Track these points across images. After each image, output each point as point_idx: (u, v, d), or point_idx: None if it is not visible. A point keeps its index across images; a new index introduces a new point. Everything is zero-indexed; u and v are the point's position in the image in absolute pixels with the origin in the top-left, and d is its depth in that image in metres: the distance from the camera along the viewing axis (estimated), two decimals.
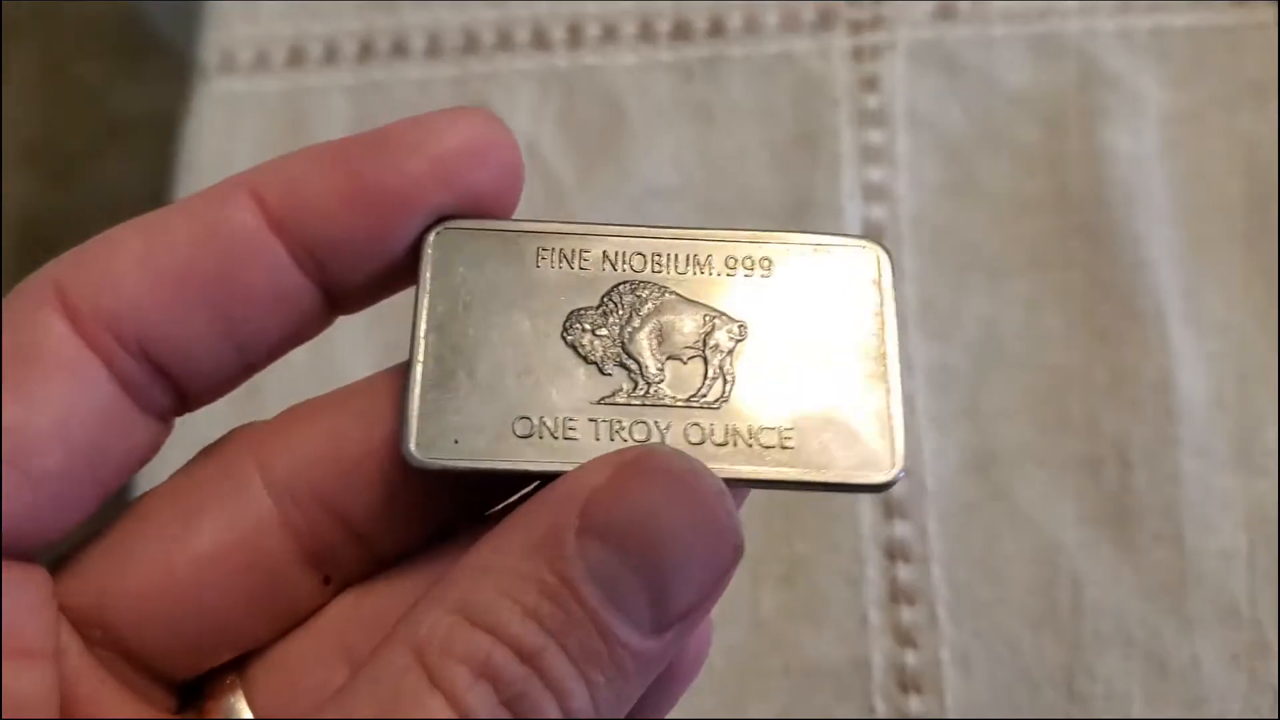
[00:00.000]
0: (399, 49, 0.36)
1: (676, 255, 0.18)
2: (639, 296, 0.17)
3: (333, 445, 0.17)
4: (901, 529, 0.29)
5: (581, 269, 0.17)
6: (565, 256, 0.17)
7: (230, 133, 0.35)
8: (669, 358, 0.17)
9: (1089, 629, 0.28)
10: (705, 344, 0.17)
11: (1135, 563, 0.29)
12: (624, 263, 0.17)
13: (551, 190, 0.33)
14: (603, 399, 0.17)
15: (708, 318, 0.17)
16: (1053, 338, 0.31)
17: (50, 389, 0.16)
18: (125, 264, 0.16)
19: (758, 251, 0.18)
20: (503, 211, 0.17)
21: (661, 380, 0.17)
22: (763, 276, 0.18)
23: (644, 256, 0.17)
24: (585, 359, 0.17)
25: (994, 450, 0.30)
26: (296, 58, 0.36)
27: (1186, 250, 0.31)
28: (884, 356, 0.17)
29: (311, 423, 0.18)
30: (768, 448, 0.16)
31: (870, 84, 0.34)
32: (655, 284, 0.17)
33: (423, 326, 0.17)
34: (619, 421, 0.16)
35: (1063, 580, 0.29)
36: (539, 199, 0.33)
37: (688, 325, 0.17)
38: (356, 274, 0.17)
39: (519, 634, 0.14)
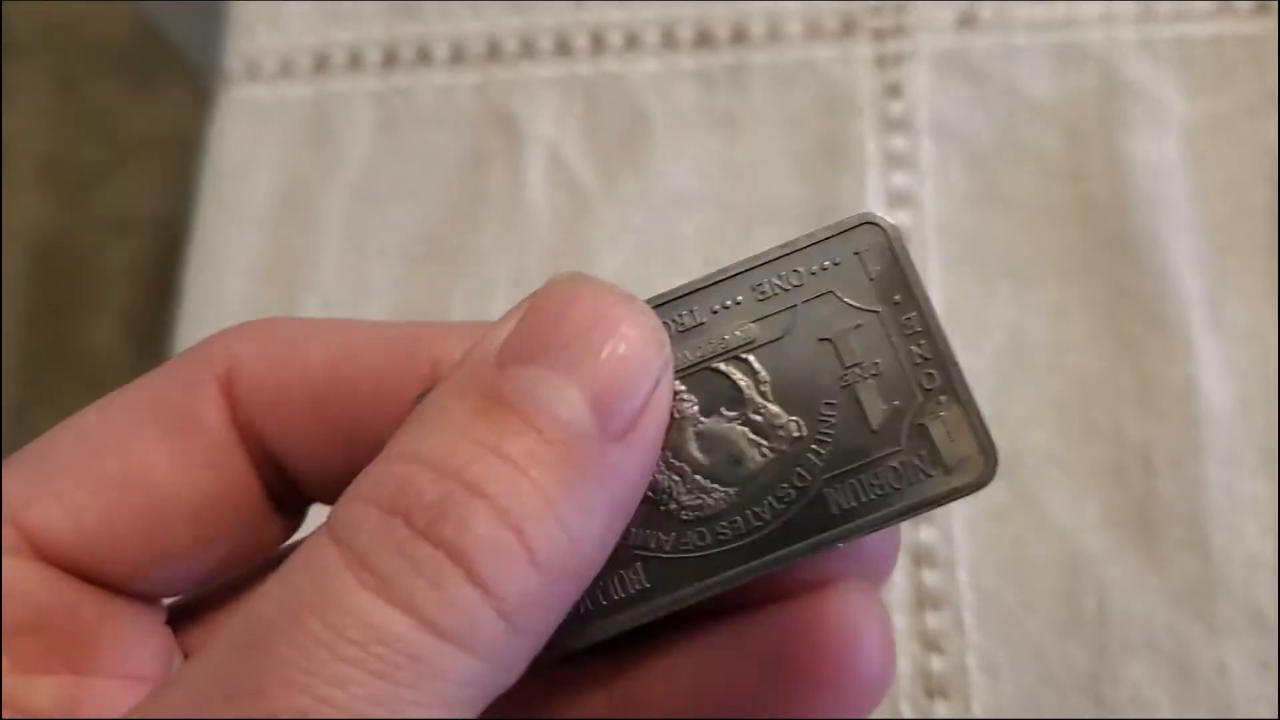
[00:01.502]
0: (423, 56, 0.36)
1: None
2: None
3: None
4: (927, 534, 0.29)
5: None
6: None
7: (255, 138, 0.35)
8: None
9: (1115, 635, 0.28)
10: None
11: (1161, 569, 0.29)
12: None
13: (576, 197, 0.34)
14: None
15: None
16: (1078, 345, 0.31)
17: (201, 468, 0.16)
18: (299, 386, 0.17)
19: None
20: None
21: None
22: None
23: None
24: None
25: (1020, 456, 0.30)
26: (321, 65, 0.36)
27: (1210, 258, 0.31)
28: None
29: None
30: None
31: (894, 91, 0.34)
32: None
33: None
34: None
35: (1088, 586, 0.29)
36: (564, 207, 0.33)
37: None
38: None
39: (444, 453, 0.13)
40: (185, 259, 0.35)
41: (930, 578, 0.29)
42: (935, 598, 0.29)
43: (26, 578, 0.16)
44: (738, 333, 0.16)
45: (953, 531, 0.29)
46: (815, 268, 0.16)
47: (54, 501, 0.16)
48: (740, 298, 0.16)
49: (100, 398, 0.18)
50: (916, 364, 0.16)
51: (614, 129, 0.34)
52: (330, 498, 0.16)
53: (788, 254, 0.16)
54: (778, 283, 0.16)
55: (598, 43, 0.35)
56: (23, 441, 0.17)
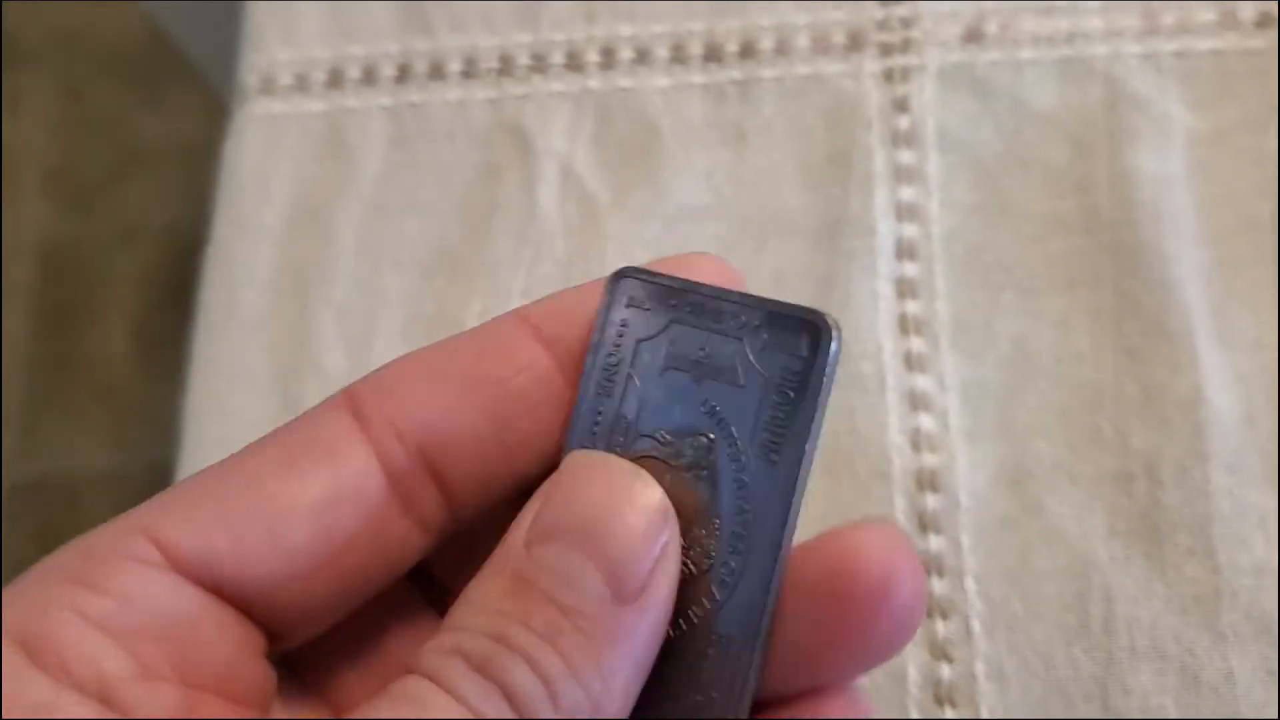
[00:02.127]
0: (436, 71, 0.36)
1: None
2: None
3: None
4: (935, 543, 0.30)
5: None
6: None
7: (270, 152, 0.36)
8: None
9: (1122, 643, 0.29)
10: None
11: (1167, 578, 0.29)
12: None
13: (588, 210, 0.34)
14: None
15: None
16: (1083, 355, 0.31)
17: (316, 469, 0.17)
18: (414, 371, 0.18)
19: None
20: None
21: None
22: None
23: None
24: None
25: (1026, 466, 0.30)
26: (335, 80, 0.37)
27: (1215, 270, 0.32)
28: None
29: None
30: None
31: (901, 105, 0.34)
32: None
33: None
34: None
35: (1095, 595, 0.29)
36: (576, 219, 0.34)
37: None
38: None
39: (485, 625, 0.16)
40: (201, 272, 0.35)
41: (939, 587, 0.29)
42: (944, 606, 0.29)
43: (156, 586, 0.17)
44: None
45: (960, 541, 0.30)
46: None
47: (180, 514, 0.17)
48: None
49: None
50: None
51: (625, 142, 0.35)
52: (473, 481, 0.18)
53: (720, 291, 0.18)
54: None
55: (608, 57, 0.36)
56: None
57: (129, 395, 1.11)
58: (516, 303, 0.33)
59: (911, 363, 0.31)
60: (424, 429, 0.18)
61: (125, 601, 0.16)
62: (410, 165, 0.35)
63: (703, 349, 0.17)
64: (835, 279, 0.32)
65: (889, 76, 0.35)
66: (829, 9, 0.35)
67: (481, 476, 0.18)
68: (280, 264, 0.34)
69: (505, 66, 0.36)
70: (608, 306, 0.18)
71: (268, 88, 0.37)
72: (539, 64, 0.36)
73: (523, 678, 0.15)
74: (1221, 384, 0.31)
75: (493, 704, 0.15)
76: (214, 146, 0.37)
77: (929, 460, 0.30)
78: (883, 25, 0.35)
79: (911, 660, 0.29)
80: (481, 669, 0.15)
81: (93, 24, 1.35)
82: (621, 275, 0.18)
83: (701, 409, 0.17)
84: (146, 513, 0.17)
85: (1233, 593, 0.29)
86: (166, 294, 1.17)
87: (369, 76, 0.36)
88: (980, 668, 0.29)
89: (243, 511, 0.17)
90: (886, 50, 0.35)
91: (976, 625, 0.29)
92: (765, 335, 0.17)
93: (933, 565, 0.29)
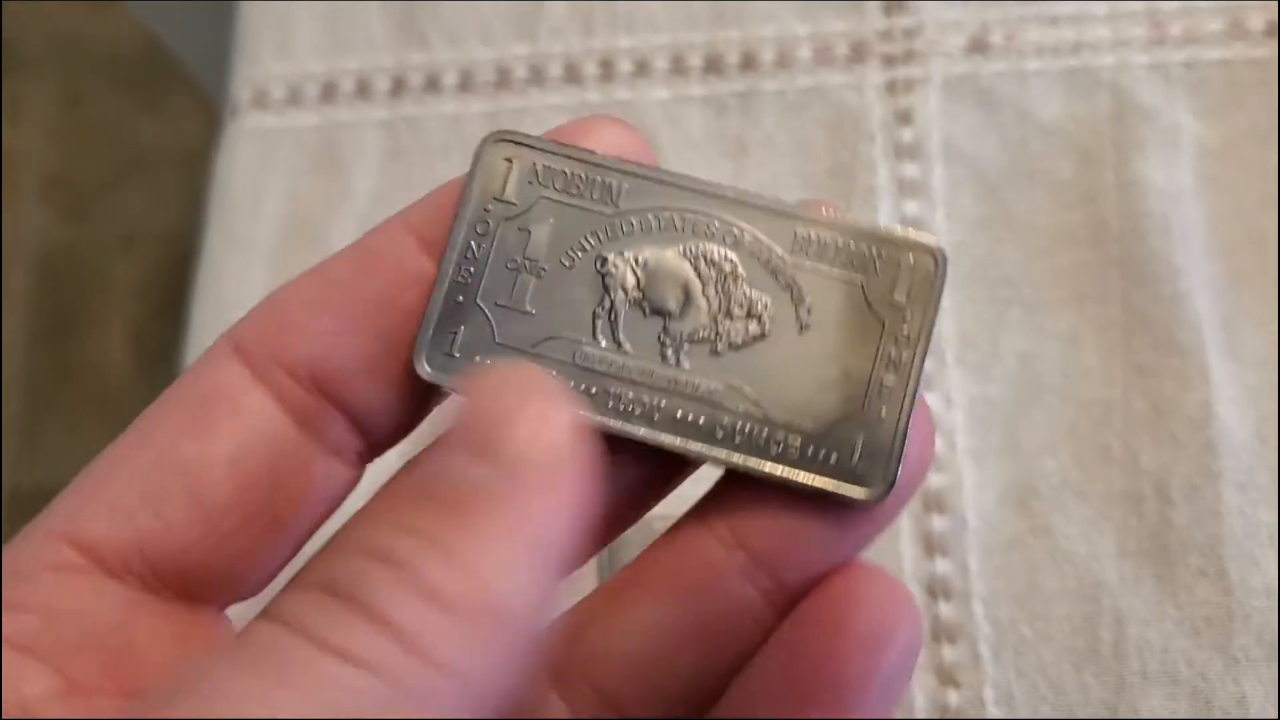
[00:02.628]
0: (432, 84, 0.36)
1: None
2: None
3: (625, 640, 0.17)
4: (942, 566, 0.29)
5: None
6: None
7: (263, 165, 0.35)
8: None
9: (1133, 667, 0.28)
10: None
11: (1178, 599, 0.28)
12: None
13: None
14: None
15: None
16: (1092, 371, 0.31)
17: (221, 424, 0.17)
18: (293, 304, 0.17)
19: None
20: None
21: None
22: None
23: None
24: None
25: (1034, 485, 0.30)
26: (329, 93, 0.36)
27: (1225, 283, 0.31)
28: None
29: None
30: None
31: (905, 117, 0.34)
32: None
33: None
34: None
35: (1105, 617, 0.28)
36: None
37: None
38: None
39: (361, 537, 0.14)
40: (193, 287, 0.35)
41: (946, 610, 0.29)
42: (951, 630, 0.29)
43: (80, 594, 0.16)
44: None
45: (967, 563, 0.29)
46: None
47: (96, 506, 0.16)
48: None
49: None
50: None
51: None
52: (375, 395, 0.17)
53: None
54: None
55: (607, 70, 0.35)
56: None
57: (128, 402, 1.10)
58: None
59: None
60: (315, 363, 0.17)
61: (49, 616, 0.15)
62: (405, 181, 0.35)
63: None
64: None
65: (892, 88, 0.34)
66: (831, 20, 0.35)
67: (387, 398, 0.17)
68: (272, 280, 0.34)
69: (502, 79, 0.36)
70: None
71: (260, 101, 0.36)
72: (536, 76, 0.35)
73: (388, 585, 0.13)
74: (1232, 399, 0.30)
75: (363, 638, 0.13)
76: (213, 153, 0.37)
77: (935, 480, 0.30)
78: (886, 36, 0.35)
79: (919, 686, 0.28)
80: (349, 594, 0.13)
81: (92, 30, 1.34)
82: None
83: None
84: (63, 509, 0.16)
85: (1245, 615, 0.28)
86: (166, 300, 1.16)
87: (363, 90, 0.36)
88: (989, 693, 0.28)
89: (160, 486, 0.16)
90: (890, 61, 0.34)
91: (985, 649, 0.28)
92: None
93: (940, 588, 0.29)
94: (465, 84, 0.36)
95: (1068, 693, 0.28)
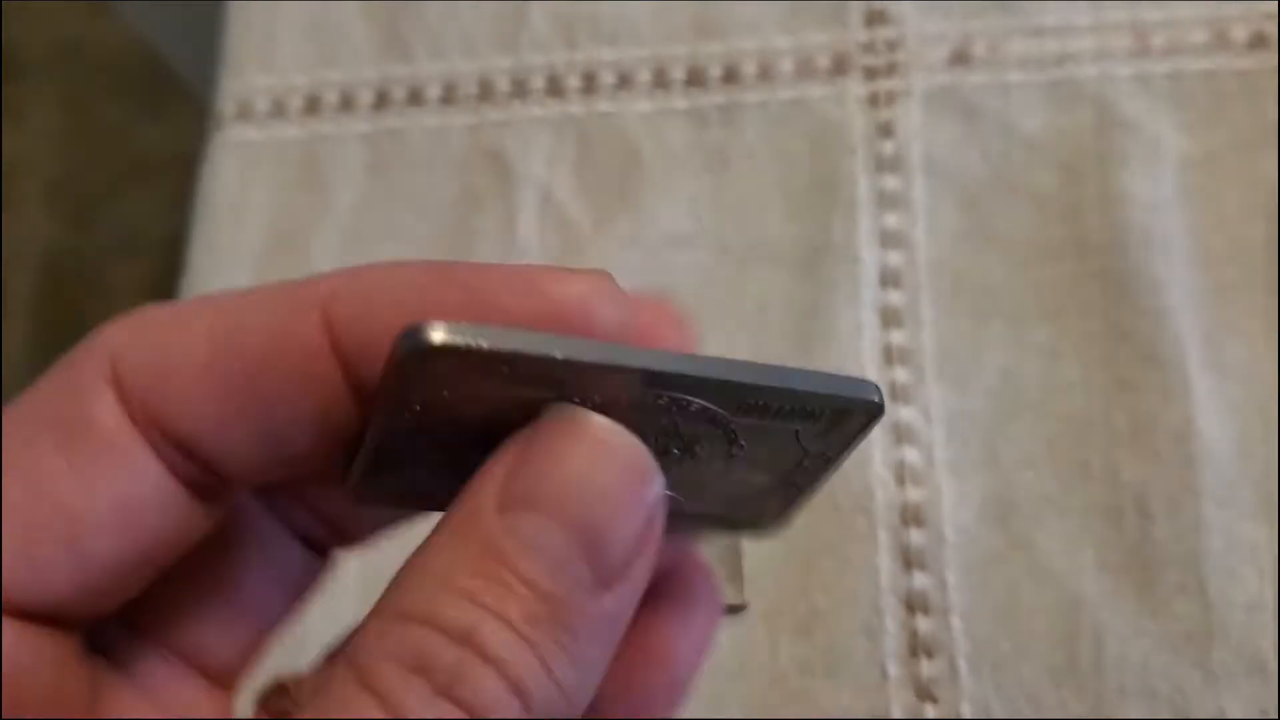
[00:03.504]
0: (415, 97, 0.36)
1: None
2: None
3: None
4: (921, 580, 0.29)
5: None
6: None
7: (247, 179, 0.35)
8: None
9: (1112, 683, 0.28)
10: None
11: (1158, 614, 0.28)
12: None
13: (568, 237, 0.34)
14: None
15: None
16: (1072, 385, 0.31)
17: (105, 471, 0.16)
18: (185, 359, 0.16)
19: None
20: None
21: None
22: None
23: None
24: None
25: (1014, 500, 0.30)
26: (312, 106, 0.36)
27: (1207, 296, 0.31)
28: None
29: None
30: None
31: (886, 130, 0.34)
32: None
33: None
34: None
35: (1084, 633, 0.28)
36: (557, 246, 0.33)
37: None
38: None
39: (453, 617, 0.14)
40: (178, 299, 0.35)
41: (924, 625, 0.29)
42: (929, 645, 0.28)
43: None
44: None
45: (946, 577, 0.29)
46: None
47: None
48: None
49: None
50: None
51: (606, 169, 0.34)
52: (249, 473, 0.17)
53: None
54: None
55: (590, 83, 0.35)
56: None
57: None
58: None
59: (896, 394, 0.31)
60: (193, 441, 0.16)
61: None
62: (388, 194, 0.35)
63: None
64: (818, 308, 0.32)
65: (874, 101, 0.34)
66: (813, 32, 0.35)
67: (261, 464, 0.17)
68: None
69: (485, 92, 0.36)
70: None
71: (244, 113, 0.36)
72: (519, 89, 0.36)
73: (493, 690, 0.14)
74: (1214, 413, 0.30)
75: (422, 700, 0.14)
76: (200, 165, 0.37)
77: (913, 494, 0.30)
78: (868, 48, 0.35)
79: (896, 700, 0.28)
80: (445, 691, 0.14)
81: (94, 37, 1.35)
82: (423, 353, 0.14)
83: None
84: None
85: (1224, 630, 0.28)
86: None
87: (346, 102, 0.36)
88: (967, 709, 0.28)
89: (38, 529, 0.16)
90: (871, 74, 0.34)
91: (963, 664, 0.28)
92: None
93: (918, 603, 0.29)
94: (448, 97, 0.36)
95: (1046, 708, 0.28)
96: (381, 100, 0.36)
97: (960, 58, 0.34)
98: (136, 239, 1.23)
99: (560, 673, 0.14)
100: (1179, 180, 0.32)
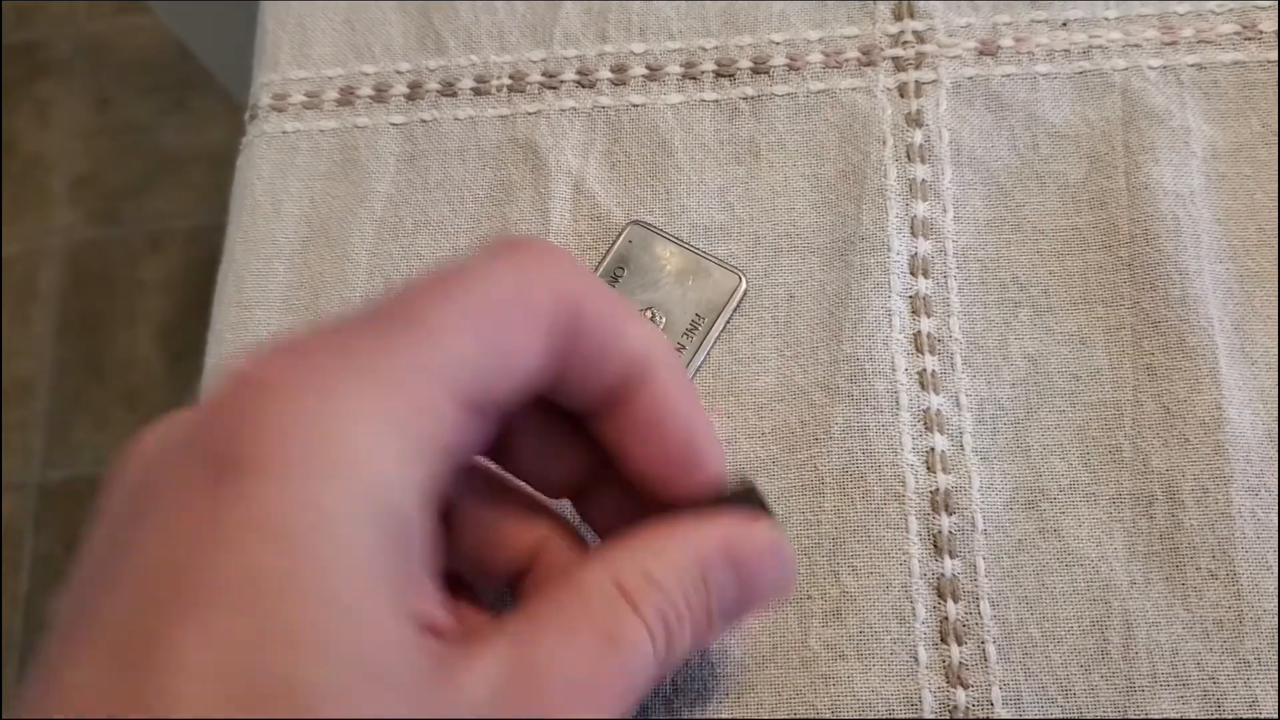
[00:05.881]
0: (448, 88, 0.36)
1: None
2: None
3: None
4: (951, 566, 0.29)
5: None
6: None
7: (283, 169, 0.36)
8: None
9: (1143, 669, 0.28)
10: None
11: (1189, 602, 0.28)
12: None
13: (600, 227, 0.34)
14: None
15: None
16: (1101, 373, 0.31)
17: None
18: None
19: None
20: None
21: None
22: None
23: None
24: None
25: (1043, 487, 0.30)
26: (347, 98, 0.37)
27: (1235, 285, 0.31)
28: None
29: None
30: None
31: (915, 120, 0.34)
32: None
33: None
34: None
35: (1114, 619, 0.29)
36: (588, 235, 0.34)
37: None
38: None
39: (678, 603, 0.22)
40: (215, 290, 0.35)
41: (954, 610, 0.29)
42: (959, 631, 0.29)
43: (440, 408, 0.20)
44: None
45: (976, 564, 0.29)
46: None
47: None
48: None
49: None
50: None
51: (638, 159, 0.35)
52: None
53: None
54: None
55: (621, 74, 0.36)
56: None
57: (155, 398, 1.11)
58: None
59: (925, 382, 0.31)
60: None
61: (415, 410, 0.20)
62: (422, 184, 0.35)
63: None
64: (848, 296, 0.32)
65: (903, 91, 0.34)
66: (842, 24, 0.35)
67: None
68: (293, 282, 0.34)
69: (517, 83, 0.36)
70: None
71: (280, 105, 0.37)
72: (551, 80, 0.36)
73: (682, 632, 0.22)
74: (1243, 401, 0.30)
75: (661, 639, 0.22)
76: (237, 156, 0.37)
77: (944, 481, 0.30)
78: (896, 40, 0.35)
79: (927, 686, 0.28)
80: (664, 618, 0.22)
81: (121, 33, 1.36)
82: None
83: None
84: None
85: (1256, 618, 0.28)
86: (193, 299, 1.18)
87: (381, 94, 0.36)
88: (997, 694, 0.28)
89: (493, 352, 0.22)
90: (900, 65, 0.34)
91: (993, 650, 0.28)
92: None
93: (948, 589, 0.29)
94: (481, 88, 0.36)
95: (1076, 694, 0.28)
96: (415, 91, 0.36)
97: (988, 49, 0.34)
98: (163, 233, 1.24)
99: (688, 647, 0.23)
100: (1207, 171, 0.32)
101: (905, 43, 0.35)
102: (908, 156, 0.33)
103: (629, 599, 0.22)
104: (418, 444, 0.19)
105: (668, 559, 0.23)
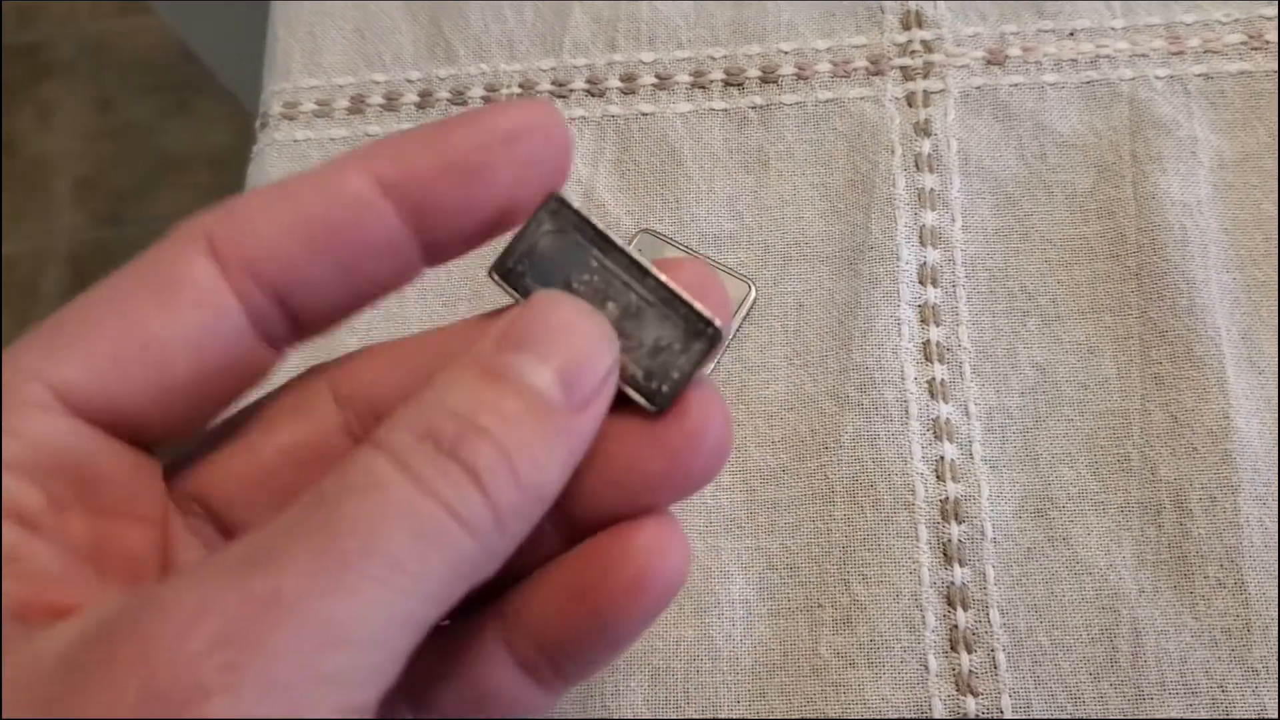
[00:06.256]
0: (458, 97, 0.36)
1: None
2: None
3: (397, 376, 0.21)
4: (961, 574, 0.29)
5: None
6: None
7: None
8: None
9: (1151, 677, 0.28)
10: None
11: (1197, 610, 0.29)
12: None
13: None
14: None
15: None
16: (1109, 382, 0.31)
17: (189, 313, 0.19)
18: (264, 216, 0.19)
19: None
20: (558, 178, 0.21)
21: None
22: None
23: None
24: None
25: (1052, 495, 0.30)
26: (357, 106, 0.37)
27: (1242, 294, 0.31)
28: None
29: (382, 357, 0.22)
30: None
31: (923, 129, 0.34)
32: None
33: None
34: None
35: (1123, 628, 0.29)
36: None
37: None
38: (448, 228, 0.20)
39: (458, 400, 0.18)
40: None
41: (964, 619, 0.29)
42: (969, 639, 0.29)
43: (57, 428, 0.18)
44: None
45: (986, 572, 0.29)
46: None
47: (70, 357, 0.19)
48: None
49: None
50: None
51: (647, 168, 0.35)
52: (321, 316, 0.20)
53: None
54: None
55: (630, 83, 0.36)
56: None
57: None
58: None
59: (935, 390, 0.31)
60: (277, 273, 0.19)
61: (31, 444, 0.18)
62: None
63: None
64: (857, 305, 0.32)
65: (911, 100, 0.34)
66: (849, 34, 0.35)
67: (328, 308, 0.20)
68: None
69: (527, 92, 0.36)
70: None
71: (291, 113, 0.37)
72: (560, 89, 0.36)
73: (490, 458, 0.17)
74: (1251, 410, 0.30)
75: (461, 490, 0.17)
76: (242, 155, 0.37)
77: (953, 490, 0.30)
78: (904, 49, 0.35)
79: (937, 694, 0.28)
80: (452, 452, 0.17)
81: (122, 34, 1.36)
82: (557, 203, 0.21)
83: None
84: (35, 354, 0.19)
85: (1264, 626, 0.28)
86: None
87: (391, 102, 0.37)
88: (1006, 701, 0.28)
89: (127, 351, 0.19)
90: (908, 74, 0.35)
91: (1002, 658, 0.29)
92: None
93: (958, 597, 0.29)
94: (491, 97, 0.36)
95: (1085, 702, 0.28)
96: (425, 100, 0.36)
97: (996, 58, 0.34)
98: (165, 235, 1.24)
99: (539, 458, 0.18)
100: (1214, 180, 0.33)
101: (913, 52, 0.35)
102: (916, 166, 0.34)
103: (376, 442, 0.18)
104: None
105: (431, 385, 0.18)
